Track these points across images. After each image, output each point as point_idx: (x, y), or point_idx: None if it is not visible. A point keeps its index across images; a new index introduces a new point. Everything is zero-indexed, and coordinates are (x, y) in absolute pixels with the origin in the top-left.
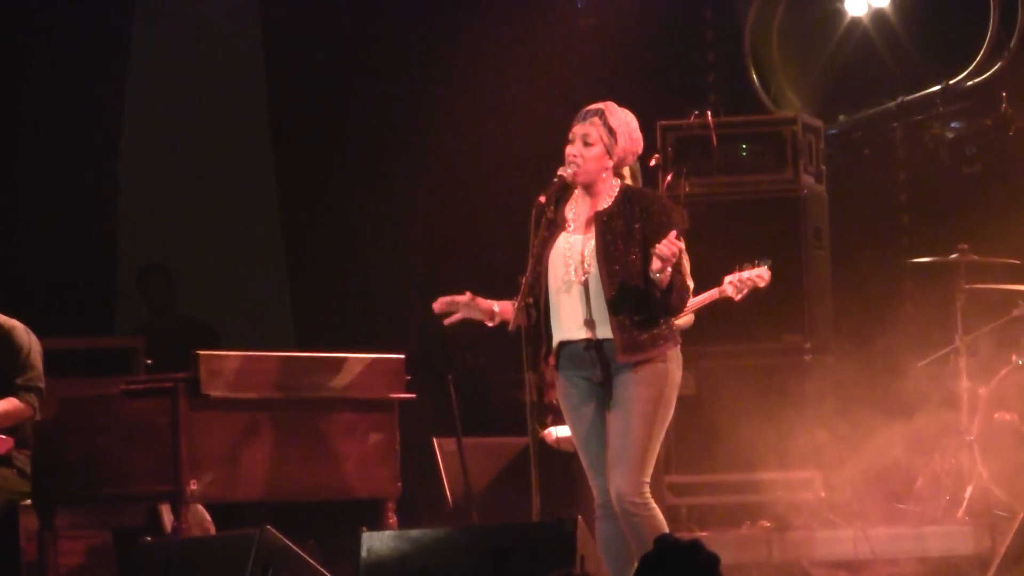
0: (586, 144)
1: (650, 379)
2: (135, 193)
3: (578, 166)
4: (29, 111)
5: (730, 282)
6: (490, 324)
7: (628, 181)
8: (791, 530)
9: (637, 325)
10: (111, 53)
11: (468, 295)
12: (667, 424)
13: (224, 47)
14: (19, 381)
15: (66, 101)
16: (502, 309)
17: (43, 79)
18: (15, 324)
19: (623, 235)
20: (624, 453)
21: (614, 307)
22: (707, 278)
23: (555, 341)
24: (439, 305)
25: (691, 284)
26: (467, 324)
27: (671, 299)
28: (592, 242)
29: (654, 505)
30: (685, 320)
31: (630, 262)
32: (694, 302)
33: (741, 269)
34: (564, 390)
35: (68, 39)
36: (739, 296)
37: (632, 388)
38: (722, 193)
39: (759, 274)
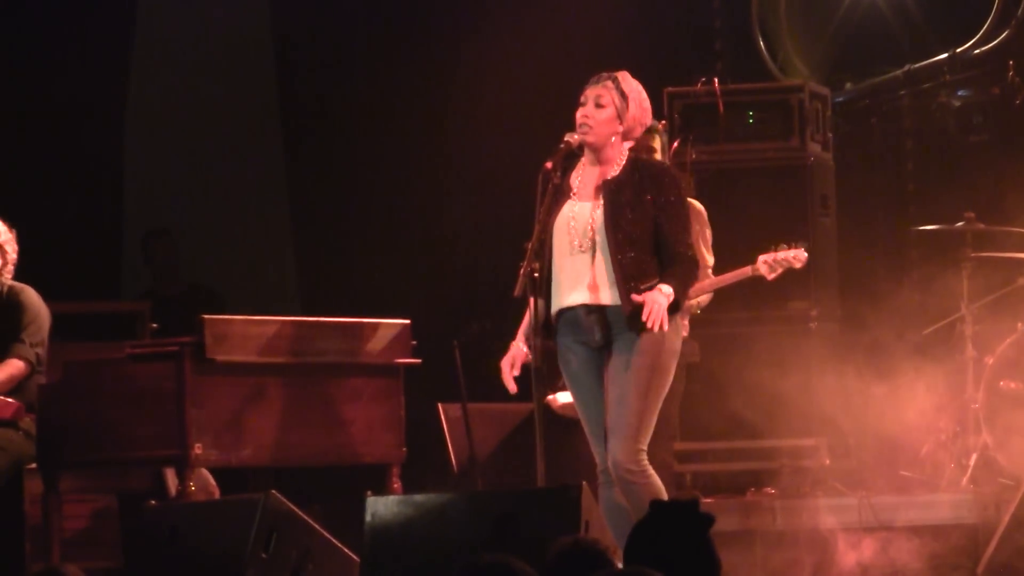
0: (598, 106)
1: (647, 347)
2: (141, 157)
3: (589, 127)
4: (35, 75)
5: (764, 261)
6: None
7: (657, 155)
8: (795, 497)
9: (642, 293)
10: (118, 15)
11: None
12: (665, 392)
13: (232, 10)
14: (22, 336)
15: (72, 65)
16: (525, 339)
17: (50, 43)
18: (25, 287)
19: (631, 204)
20: (620, 421)
21: (621, 276)
22: (714, 246)
23: (554, 308)
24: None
25: (711, 260)
26: (471, 289)
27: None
28: (599, 210)
29: (652, 472)
30: (705, 298)
31: (638, 231)
32: (723, 279)
33: (776, 249)
34: (563, 357)
35: (74, 4)
36: (772, 275)
37: (629, 356)
38: (728, 161)
39: (796, 255)
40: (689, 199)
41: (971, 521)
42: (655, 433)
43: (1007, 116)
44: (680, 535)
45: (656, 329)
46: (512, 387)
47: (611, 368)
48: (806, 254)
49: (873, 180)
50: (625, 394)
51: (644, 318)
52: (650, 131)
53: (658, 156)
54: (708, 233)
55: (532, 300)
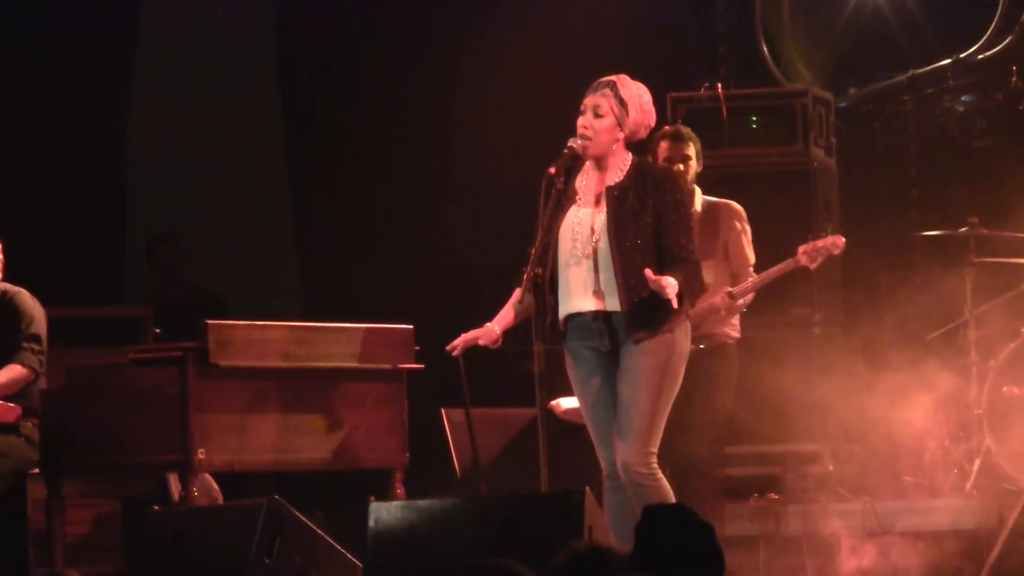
0: (597, 115)
1: (657, 349)
2: (145, 162)
3: (588, 138)
4: (37, 77)
5: (803, 252)
6: (495, 347)
7: (693, 162)
8: (799, 503)
9: (647, 299)
10: (121, 17)
11: (464, 340)
12: (675, 393)
13: (235, 13)
14: (23, 344)
15: (75, 67)
16: (501, 325)
17: (52, 45)
18: (20, 290)
19: (634, 209)
20: (631, 423)
21: (624, 281)
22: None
23: (563, 313)
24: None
25: (753, 259)
26: (475, 291)
27: (685, 295)
28: (602, 216)
29: (661, 475)
30: (749, 297)
31: (641, 236)
32: (768, 274)
33: (815, 239)
34: (571, 361)
35: (78, 4)
36: (814, 264)
37: (639, 358)
38: (732, 166)
39: (833, 242)
40: (727, 200)
41: (974, 526)
42: (699, 433)
43: (1010, 121)
44: (680, 538)
45: (671, 296)
46: (455, 347)
47: (621, 371)
48: (843, 240)
49: (876, 185)
50: (636, 397)
51: (664, 286)
52: (684, 139)
53: (693, 164)
54: (749, 230)
55: (528, 296)
